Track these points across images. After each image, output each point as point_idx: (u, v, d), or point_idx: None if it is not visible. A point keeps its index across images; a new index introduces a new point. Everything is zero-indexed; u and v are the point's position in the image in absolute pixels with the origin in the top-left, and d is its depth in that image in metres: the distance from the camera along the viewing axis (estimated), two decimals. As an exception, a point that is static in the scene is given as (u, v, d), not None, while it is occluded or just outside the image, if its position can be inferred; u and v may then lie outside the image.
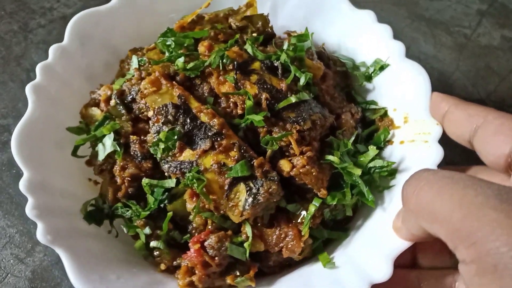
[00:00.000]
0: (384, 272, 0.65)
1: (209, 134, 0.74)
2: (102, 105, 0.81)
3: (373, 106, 0.88)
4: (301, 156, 0.74)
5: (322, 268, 0.72)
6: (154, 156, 0.77)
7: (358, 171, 0.74)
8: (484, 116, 0.70)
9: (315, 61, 0.86)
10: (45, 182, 0.73)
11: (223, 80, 0.79)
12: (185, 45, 0.85)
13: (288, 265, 0.79)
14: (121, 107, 0.80)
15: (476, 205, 0.48)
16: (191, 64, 0.80)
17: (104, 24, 0.89)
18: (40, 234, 0.66)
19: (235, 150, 0.73)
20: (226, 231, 0.74)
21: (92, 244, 0.71)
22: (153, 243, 0.74)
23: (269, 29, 0.91)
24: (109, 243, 0.75)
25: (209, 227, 0.74)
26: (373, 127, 0.86)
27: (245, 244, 0.72)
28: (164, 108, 0.76)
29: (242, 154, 0.73)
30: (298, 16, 0.96)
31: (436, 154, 0.74)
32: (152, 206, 0.75)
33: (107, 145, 0.78)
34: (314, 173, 0.74)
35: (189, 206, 0.74)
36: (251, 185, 0.72)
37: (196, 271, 0.71)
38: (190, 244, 0.72)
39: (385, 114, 0.86)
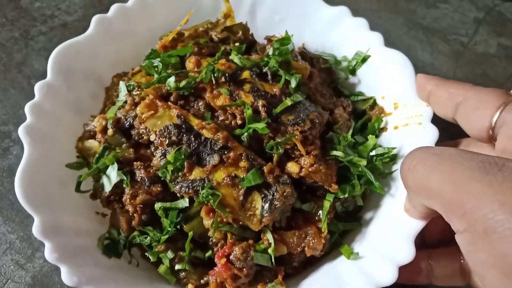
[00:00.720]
0: (408, 253, 0.68)
1: (216, 148, 0.74)
2: (99, 136, 0.80)
3: (361, 97, 0.91)
4: (308, 156, 0.76)
5: (346, 260, 0.75)
6: (162, 179, 0.76)
7: (363, 162, 0.77)
8: (464, 94, 0.74)
9: (300, 61, 0.89)
10: (57, 224, 0.72)
11: (217, 93, 0.79)
12: (172, 63, 0.85)
13: (310, 263, 0.81)
14: (119, 135, 0.79)
15: (463, 179, 0.53)
16: (183, 83, 0.80)
17: (84, 54, 0.87)
18: (66, 278, 0.65)
19: (243, 160, 0.74)
20: (247, 241, 0.74)
21: (118, 278, 0.70)
22: (178, 266, 0.74)
23: (250, 37, 0.93)
24: (133, 273, 0.75)
25: (230, 240, 0.74)
26: (365, 117, 0.89)
27: (269, 250, 0.73)
28: (166, 130, 0.75)
29: (251, 163, 0.74)
30: (275, 20, 0.98)
31: (432, 133, 0.78)
32: (169, 229, 0.74)
33: (112, 176, 0.77)
34: (323, 170, 0.76)
35: (207, 222, 0.74)
36: (265, 192, 0.73)
37: (227, 285, 0.72)
38: (216, 260, 0.72)
39: (374, 103, 0.89)
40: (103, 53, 0.90)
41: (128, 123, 0.79)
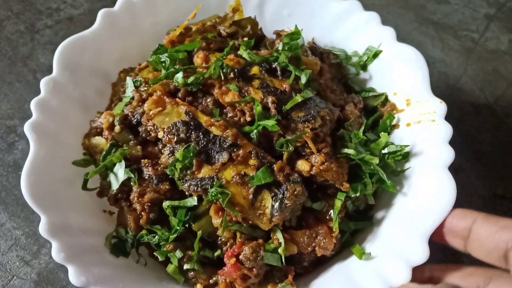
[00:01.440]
0: (422, 253, 0.66)
1: (225, 146, 0.73)
2: (106, 133, 0.79)
3: (372, 93, 0.89)
4: (318, 154, 0.74)
5: (358, 260, 0.73)
6: (171, 177, 0.75)
7: (375, 160, 0.76)
8: None
9: (310, 57, 0.87)
10: (64, 223, 0.70)
11: (226, 89, 0.78)
12: (179, 59, 0.83)
13: (320, 263, 0.79)
14: (127, 132, 0.77)
15: None
16: (191, 78, 0.78)
17: (90, 49, 0.85)
18: (74, 278, 0.64)
19: (253, 158, 0.73)
20: (257, 240, 0.73)
21: (126, 277, 0.69)
22: (186, 266, 0.73)
23: (258, 32, 0.91)
24: (141, 272, 0.73)
25: (239, 239, 0.73)
26: (377, 114, 0.87)
27: (279, 250, 0.72)
28: (174, 127, 0.74)
29: (261, 161, 0.73)
30: (283, 14, 0.96)
31: (446, 131, 0.76)
32: (178, 228, 0.73)
33: (119, 174, 0.76)
34: (334, 169, 0.74)
35: (216, 221, 0.73)
36: (275, 190, 0.72)
37: (236, 285, 0.71)
38: (225, 260, 0.71)
39: (386, 99, 0.87)
40: (109, 48, 0.88)
41: (135, 120, 0.78)
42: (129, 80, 0.83)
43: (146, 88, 0.80)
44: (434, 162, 0.73)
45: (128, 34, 0.91)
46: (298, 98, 0.77)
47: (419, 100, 0.82)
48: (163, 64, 0.83)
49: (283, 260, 0.72)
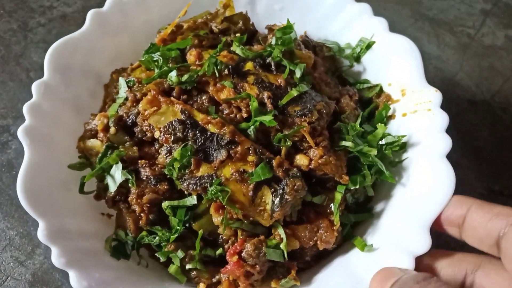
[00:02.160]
0: (424, 243, 0.66)
1: (223, 144, 0.72)
2: (101, 134, 0.77)
3: (367, 85, 0.89)
4: (317, 148, 0.74)
5: (360, 252, 0.73)
6: (169, 176, 0.74)
7: (374, 151, 0.76)
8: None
9: (303, 50, 0.86)
10: (63, 227, 0.69)
11: (221, 86, 0.77)
12: (172, 57, 0.82)
13: (322, 256, 0.79)
14: (122, 133, 0.76)
15: None
16: (185, 77, 0.77)
17: (80, 50, 0.84)
18: (76, 283, 0.63)
19: (251, 154, 0.72)
20: (259, 237, 0.73)
21: (128, 280, 0.69)
22: (188, 265, 0.72)
23: (250, 27, 0.90)
24: (143, 274, 0.73)
25: (240, 236, 0.73)
26: (372, 105, 0.87)
27: (281, 246, 0.71)
28: (171, 126, 0.73)
29: (259, 157, 0.72)
30: (275, 8, 0.96)
31: (442, 119, 0.76)
32: (178, 228, 0.73)
33: (116, 176, 0.75)
34: (333, 162, 0.74)
35: (216, 219, 0.72)
36: (275, 186, 0.72)
37: (240, 283, 0.70)
38: (227, 258, 0.71)
39: (381, 90, 0.87)
40: (100, 49, 0.87)
41: (130, 121, 0.77)
42: (122, 81, 0.82)
43: (139, 88, 0.79)
44: (432, 151, 0.73)
45: (119, 33, 0.90)
46: (294, 93, 0.77)
47: (414, 90, 0.82)
48: (156, 63, 0.82)
49: (286, 256, 0.72)
